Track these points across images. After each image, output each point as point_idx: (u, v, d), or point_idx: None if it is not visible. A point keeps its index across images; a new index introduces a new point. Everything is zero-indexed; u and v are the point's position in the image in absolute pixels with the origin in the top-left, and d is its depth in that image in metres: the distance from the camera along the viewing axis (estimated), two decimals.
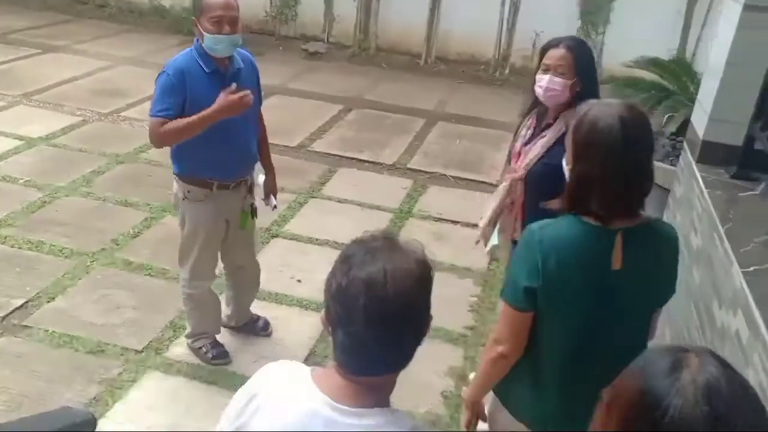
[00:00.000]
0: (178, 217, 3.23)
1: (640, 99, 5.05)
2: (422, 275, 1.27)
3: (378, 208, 5.26)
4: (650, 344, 2.01)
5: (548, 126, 2.75)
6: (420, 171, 6.01)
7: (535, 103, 2.82)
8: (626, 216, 1.84)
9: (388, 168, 6.04)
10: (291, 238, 4.69)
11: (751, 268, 2.40)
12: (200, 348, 3.45)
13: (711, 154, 3.35)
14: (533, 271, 1.84)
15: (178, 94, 2.88)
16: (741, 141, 3.26)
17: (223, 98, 2.85)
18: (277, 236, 4.73)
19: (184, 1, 9.66)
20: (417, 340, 1.29)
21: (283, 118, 6.46)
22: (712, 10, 7.91)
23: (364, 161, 6.11)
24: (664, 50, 7.21)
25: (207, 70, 2.94)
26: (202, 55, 2.94)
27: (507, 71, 8.84)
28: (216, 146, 2.96)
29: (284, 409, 1.29)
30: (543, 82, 2.65)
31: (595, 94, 2.61)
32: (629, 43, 8.23)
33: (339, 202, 5.31)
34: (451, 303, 4.15)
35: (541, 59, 2.72)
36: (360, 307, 1.21)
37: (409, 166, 6.09)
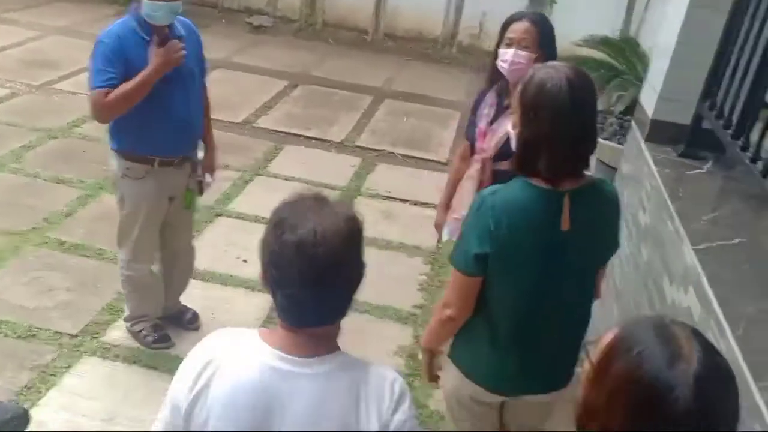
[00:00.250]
0: (117, 195, 3.06)
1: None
2: (351, 232, 1.33)
3: (326, 186, 5.12)
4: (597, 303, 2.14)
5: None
6: (368, 149, 5.91)
7: (494, 80, 2.75)
8: (573, 177, 1.89)
9: (336, 145, 5.92)
10: (236, 217, 4.55)
11: (702, 246, 2.40)
12: (140, 331, 3.29)
13: (660, 132, 3.36)
14: (485, 237, 1.88)
15: (119, 63, 2.73)
16: (689, 120, 3.29)
17: (157, 51, 2.73)
18: (221, 215, 4.58)
19: None
20: (351, 292, 1.37)
21: (227, 92, 6.24)
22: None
23: (312, 138, 5.97)
24: (609, 30, 7.26)
25: (146, 38, 2.77)
26: (140, 22, 2.78)
27: (454, 49, 8.78)
28: (157, 120, 2.81)
29: (242, 368, 1.33)
30: (507, 56, 2.60)
31: None
32: (575, 22, 8.26)
33: (286, 179, 5.17)
34: (400, 282, 4.10)
35: (503, 34, 2.66)
36: (294, 270, 1.27)
37: (357, 143, 5.98)
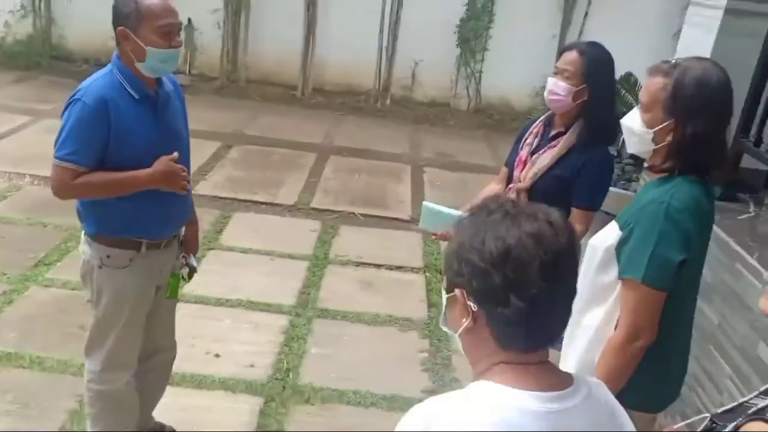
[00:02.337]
0: (90, 291, 2.40)
1: None
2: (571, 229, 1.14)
3: (290, 256, 4.57)
4: None
5: (559, 135, 2.51)
6: (326, 210, 5.38)
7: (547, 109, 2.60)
8: None
9: (289, 209, 5.36)
10: (197, 302, 3.87)
11: None
12: None
13: None
14: (686, 242, 1.79)
15: (99, 133, 2.15)
16: None
17: (164, 164, 2.22)
18: (178, 301, 3.88)
19: (18, 31, 8.41)
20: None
21: None
22: (584, 33, 8.10)
23: (261, 203, 5.39)
24: (540, 75, 7.20)
25: (137, 97, 2.21)
26: (129, 77, 2.21)
27: (388, 101, 8.48)
28: (146, 195, 2.22)
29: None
30: (549, 84, 2.47)
31: (608, 105, 2.47)
32: (507, 69, 8.26)
33: (243, 252, 4.55)
34: (401, 364, 3.58)
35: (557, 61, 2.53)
36: (533, 264, 1.06)
37: (312, 205, 5.44)
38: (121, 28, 2.17)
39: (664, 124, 1.80)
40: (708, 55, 2.94)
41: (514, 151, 2.65)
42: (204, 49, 8.48)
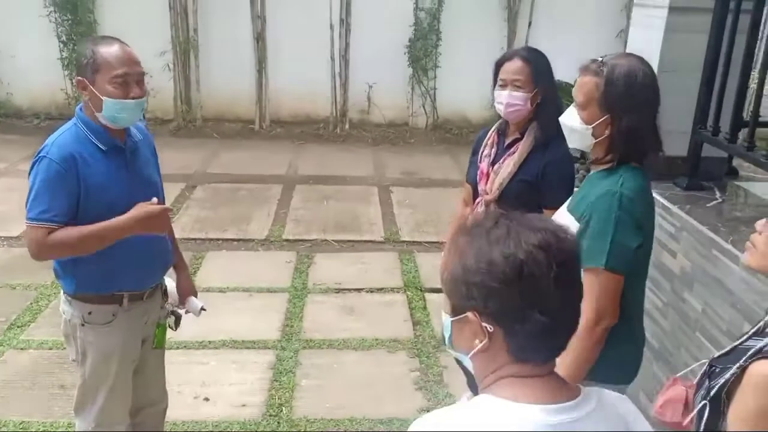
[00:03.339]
0: (74, 350, 2.34)
1: None
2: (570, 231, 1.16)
3: (268, 290, 4.53)
4: None
5: (515, 141, 2.57)
6: (298, 240, 5.36)
7: (499, 116, 2.63)
8: None
9: (262, 243, 5.32)
10: (179, 347, 3.80)
11: None
12: None
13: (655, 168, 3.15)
14: (639, 228, 1.92)
15: (69, 189, 2.11)
16: (682, 151, 3.11)
17: (141, 210, 2.16)
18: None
19: None
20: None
21: None
22: (530, 41, 8.27)
23: (232, 240, 5.34)
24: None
25: (103, 148, 2.18)
26: (93, 128, 2.18)
27: (347, 126, 8.51)
28: (125, 248, 2.19)
29: None
30: (502, 98, 2.49)
31: (555, 103, 2.51)
32: (460, 83, 8.36)
33: (220, 292, 4.49)
34: (394, 386, 3.57)
35: (496, 74, 2.55)
36: (545, 277, 1.05)
37: (284, 237, 5.42)
38: (79, 78, 2.15)
39: (601, 119, 1.93)
40: (658, 53, 3.03)
41: (473, 166, 2.69)
42: (156, 92, 8.39)
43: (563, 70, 3.08)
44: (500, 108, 2.51)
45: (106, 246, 2.16)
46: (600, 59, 1.98)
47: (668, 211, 2.91)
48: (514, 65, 2.49)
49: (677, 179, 3.12)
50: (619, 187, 1.90)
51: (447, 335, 1.17)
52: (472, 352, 1.11)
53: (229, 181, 6.63)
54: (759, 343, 1.41)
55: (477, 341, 1.10)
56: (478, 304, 1.08)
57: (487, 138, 2.66)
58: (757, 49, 2.97)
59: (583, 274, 1.84)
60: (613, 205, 1.88)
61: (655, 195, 2.99)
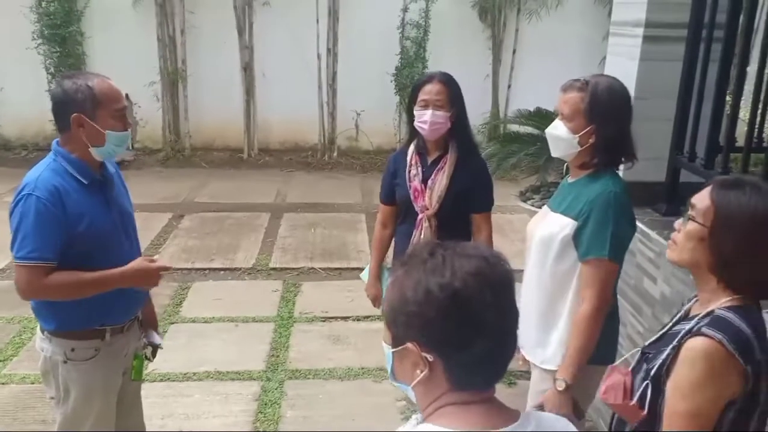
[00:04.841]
0: (53, 388, 2.31)
1: (529, 152, 4.91)
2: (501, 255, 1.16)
3: (254, 319, 4.51)
4: None
5: (441, 157, 2.81)
6: (285, 269, 5.35)
7: (412, 137, 2.87)
8: None
9: (249, 272, 5.31)
10: (162, 380, 3.77)
11: None
12: None
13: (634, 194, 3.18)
14: (632, 222, 2.21)
15: (58, 225, 2.09)
16: (659, 177, 3.14)
17: (143, 265, 2.21)
18: (143, 381, 3.78)
19: None
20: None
21: None
22: (515, 69, 8.39)
23: (219, 269, 5.33)
24: (478, 114, 7.40)
25: (85, 182, 2.18)
26: (75, 164, 2.17)
27: (335, 154, 8.56)
28: None
29: None
30: (426, 117, 2.70)
31: (465, 122, 2.81)
32: None
33: (206, 322, 4.47)
34: (381, 415, 3.54)
35: (415, 95, 2.77)
36: (487, 303, 1.06)
37: (271, 266, 5.41)
38: (76, 114, 2.11)
39: (587, 129, 2.15)
40: (634, 81, 3.08)
41: (398, 186, 2.88)
42: (145, 122, 8.43)
43: (546, 97, 3.16)
44: (422, 127, 2.72)
45: (98, 293, 2.17)
46: (581, 78, 2.21)
47: (647, 237, 2.93)
48: (435, 87, 2.71)
49: (656, 205, 3.15)
50: (612, 186, 2.14)
51: (389, 366, 1.18)
52: (414, 382, 1.11)
53: (217, 210, 6.64)
54: (687, 326, 1.56)
55: (418, 371, 1.10)
56: (418, 334, 1.08)
57: (409, 159, 2.85)
58: (731, 75, 3.02)
59: (583, 265, 2.13)
60: (610, 203, 2.12)
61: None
